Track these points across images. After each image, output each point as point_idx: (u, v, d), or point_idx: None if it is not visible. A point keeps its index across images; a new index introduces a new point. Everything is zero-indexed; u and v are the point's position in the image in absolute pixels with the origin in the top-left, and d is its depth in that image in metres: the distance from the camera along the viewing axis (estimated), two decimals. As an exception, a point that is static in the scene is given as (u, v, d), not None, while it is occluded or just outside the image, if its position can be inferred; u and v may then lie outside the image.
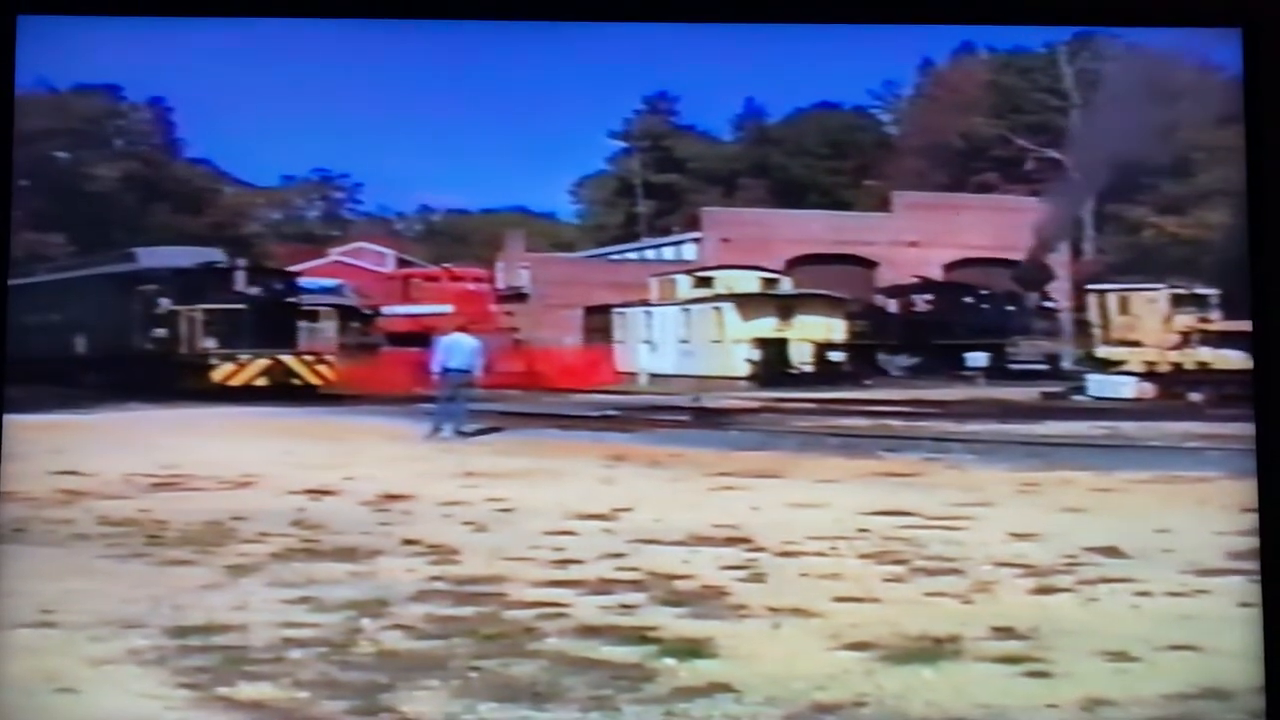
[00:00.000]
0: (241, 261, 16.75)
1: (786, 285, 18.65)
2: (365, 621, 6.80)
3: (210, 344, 15.64)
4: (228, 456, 10.98)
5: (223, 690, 5.96)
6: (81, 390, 15.14)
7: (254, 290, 16.27)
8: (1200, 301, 16.20)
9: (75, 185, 17.51)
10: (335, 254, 19.00)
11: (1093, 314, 17.25)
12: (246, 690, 5.96)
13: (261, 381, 15.41)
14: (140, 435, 12.32)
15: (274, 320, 15.91)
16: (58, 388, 14.74)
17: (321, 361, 15.85)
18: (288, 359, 15.62)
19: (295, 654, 6.36)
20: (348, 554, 8.09)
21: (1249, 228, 6.55)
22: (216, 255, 16.90)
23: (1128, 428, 12.79)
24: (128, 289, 16.36)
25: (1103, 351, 16.70)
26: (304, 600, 7.13)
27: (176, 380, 15.48)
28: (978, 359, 17.82)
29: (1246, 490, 6.63)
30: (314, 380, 15.67)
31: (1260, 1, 6.57)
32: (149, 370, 15.81)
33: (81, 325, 16.71)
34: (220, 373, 15.36)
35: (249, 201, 20.47)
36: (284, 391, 15.27)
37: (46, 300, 16.62)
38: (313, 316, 16.46)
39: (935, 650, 6.35)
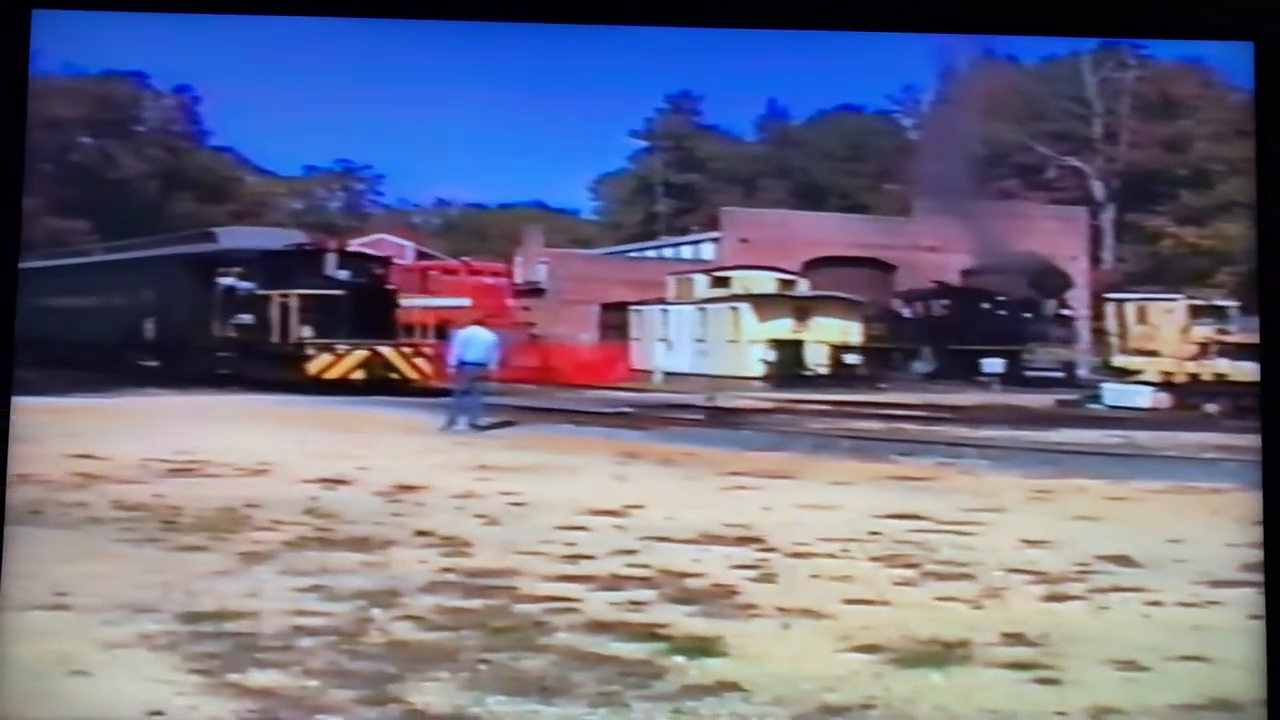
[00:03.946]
0: (333, 243, 15.80)
1: (804, 287, 18.64)
2: (376, 611, 6.83)
3: (306, 332, 14.62)
4: (244, 443, 11.02)
5: (233, 677, 6.00)
6: (157, 378, 14.49)
7: (343, 274, 15.22)
8: (1218, 313, 16.14)
9: (99, 171, 17.53)
10: (355, 245, 19.03)
11: (1110, 323, 17.20)
12: (256, 677, 6.00)
13: (358, 375, 14.46)
14: (158, 420, 12.38)
15: (372, 308, 14.92)
16: (122, 375, 14.39)
17: (419, 354, 14.89)
18: (386, 351, 14.67)
19: (305, 642, 6.40)
20: (360, 544, 8.13)
21: (1258, 240, 6.55)
22: (300, 236, 16.04)
23: (1142, 437, 12.75)
24: (207, 271, 15.28)
25: (1119, 360, 16.65)
26: (315, 589, 7.17)
27: (265, 370, 14.52)
28: (994, 365, 17.77)
29: (1260, 502, 6.61)
30: (411, 374, 14.70)
31: (1272, 15, 6.56)
32: (231, 359, 14.87)
33: (151, 308, 15.80)
34: (316, 364, 14.39)
35: (271, 190, 20.50)
36: (379, 386, 14.30)
37: (107, 281, 15.99)
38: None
39: (944, 655, 6.35)
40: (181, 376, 14.70)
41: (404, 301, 16.54)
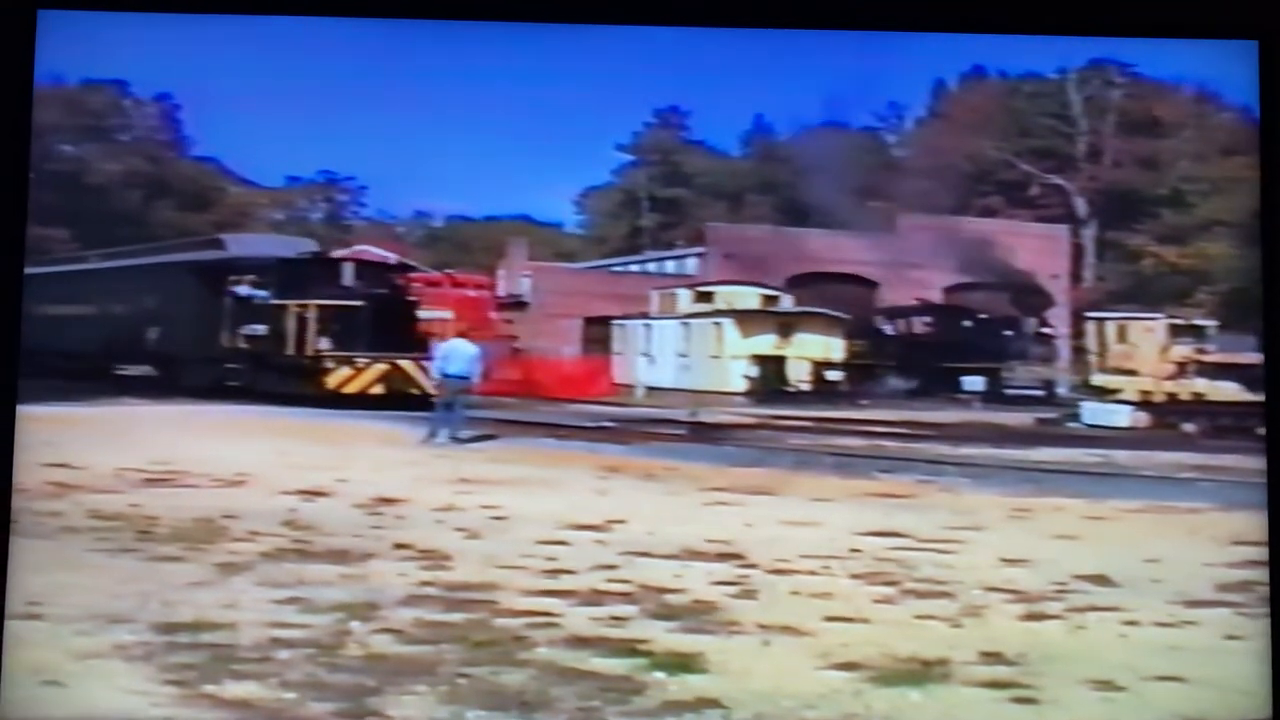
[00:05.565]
0: (350, 251, 15.27)
1: (787, 303, 18.68)
2: (354, 624, 6.80)
3: (324, 344, 14.09)
4: (222, 454, 10.97)
5: (209, 688, 5.96)
6: (153, 389, 13.97)
7: (358, 284, 14.67)
8: (1198, 332, 16.24)
9: (80, 180, 17.41)
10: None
11: (1090, 341, 17.28)
12: (233, 689, 5.96)
13: (378, 389, 13.96)
14: (134, 430, 12.31)
15: (393, 320, 14.42)
16: (111, 385, 14.01)
17: None
18: (405, 364, 14.15)
19: (283, 654, 6.37)
20: (339, 556, 8.09)
21: (1263, 247, 6.50)
22: (311, 244, 15.50)
23: (1121, 456, 12.79)
24: (214, 279, 14.72)
25: (1099, 379, 16.72)
26: (293, 601, 7.13)
27: (279, 383, 13.99)
28: (974, 383, 17.83)
29: (1237, 522, 6.65)
30: (430, 388, 14.03)
31: (1276, 14, 6.56)
32: (243, 370, 14.33)
33: (153, 317, 15.28)
34: (336, 378, 13.88)
35: (253, 201, 20.43)
36: (398, 400, 13.77)
37: (104, 289, 15.38)
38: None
39: (923, 673, 6.35)
40: (183, 387, 14.21)
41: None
